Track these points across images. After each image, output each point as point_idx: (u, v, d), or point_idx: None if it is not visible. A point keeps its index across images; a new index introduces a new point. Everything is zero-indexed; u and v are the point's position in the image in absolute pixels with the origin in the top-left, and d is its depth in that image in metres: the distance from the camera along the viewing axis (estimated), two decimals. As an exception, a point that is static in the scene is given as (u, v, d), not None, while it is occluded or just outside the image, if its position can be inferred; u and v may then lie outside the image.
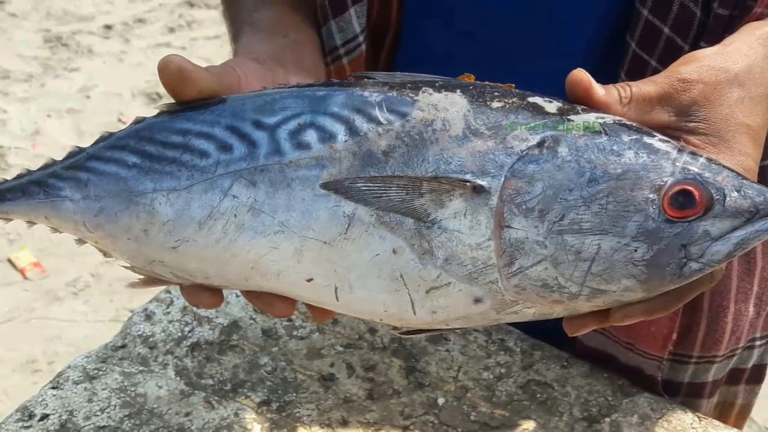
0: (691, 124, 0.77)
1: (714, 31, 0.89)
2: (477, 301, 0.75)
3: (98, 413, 1.01)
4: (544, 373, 1.09)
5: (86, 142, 0.83)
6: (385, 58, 1.11)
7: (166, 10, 4.63)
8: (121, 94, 3.95)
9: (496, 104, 0.75)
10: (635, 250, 0.72)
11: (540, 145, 0.73)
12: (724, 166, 0.73)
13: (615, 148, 0.72)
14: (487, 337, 1.13)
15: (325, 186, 0.74)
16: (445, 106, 0.74)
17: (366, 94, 0.76)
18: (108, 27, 4.46)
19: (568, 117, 0.74)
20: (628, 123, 0.75)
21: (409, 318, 0.77)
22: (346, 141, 0.74)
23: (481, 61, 0.96)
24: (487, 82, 0.78)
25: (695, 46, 0.90)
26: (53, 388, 1.05)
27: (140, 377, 1.06)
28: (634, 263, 0.72)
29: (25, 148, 3.57)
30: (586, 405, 1.06)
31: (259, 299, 0.81)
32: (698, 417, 1.05)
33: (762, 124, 0.79)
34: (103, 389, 1.04)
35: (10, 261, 3.05)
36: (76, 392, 1.04)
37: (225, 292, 0.84)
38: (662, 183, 0.72)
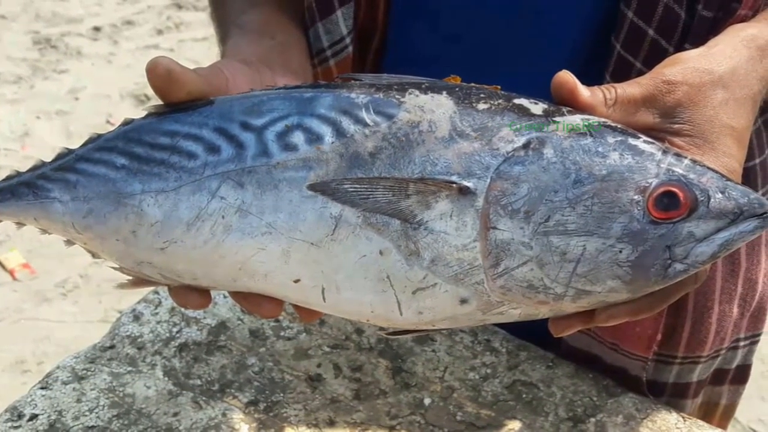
0: (676, 126, 0.77)
1: (698, 33, 0.90)
2: (463, 301, 0.75)
3: (87, 413, 1.02)
4: (530, 374, 1.10)
5: (75, 144, 0.83)
6: (372, 60, 1.11)
7: (154, 12, 4.62)
8: (109, 95, 3.95)
9: (482, 106, 0.75)
10: (620, 252, 0.72)
11: (525, 146, 0.73)
12: (708, 168, 0.74)
13: (600, 149, 0.73)
14: (473, 338, 1.14)
15: (312, 187, 0.74)
16: (431, 108, 0.75)
17: (353, 95, 0.76)
18: (97, 29, 4.45)
19: (554, 119, 0.74)
20: (613, 125, 0.75)
21: (396, 319, 0.77)
22: (333, 142, 0.74)
23: (467, 63, 0.96)
24: (473, 84, 0.78)
25: (680, 48, 0.91)
26: (42, 388, 1.05)
27: (128, 377, 1.06)
28: (619, 264, 0.72)
29: (15, 150, 3.57)
30: (572, 405, 1.06)
31: (247, 300, 0.81)
32: (683, 417, 1.05)
33: (746, 126, 0.79)
34: (91, 389, 1.04)
35: (-1, 262, 3.05)
36: (65, 392, 1.04)
37: (213, 293, 0.84)
38: (647, 184, 0.72)
